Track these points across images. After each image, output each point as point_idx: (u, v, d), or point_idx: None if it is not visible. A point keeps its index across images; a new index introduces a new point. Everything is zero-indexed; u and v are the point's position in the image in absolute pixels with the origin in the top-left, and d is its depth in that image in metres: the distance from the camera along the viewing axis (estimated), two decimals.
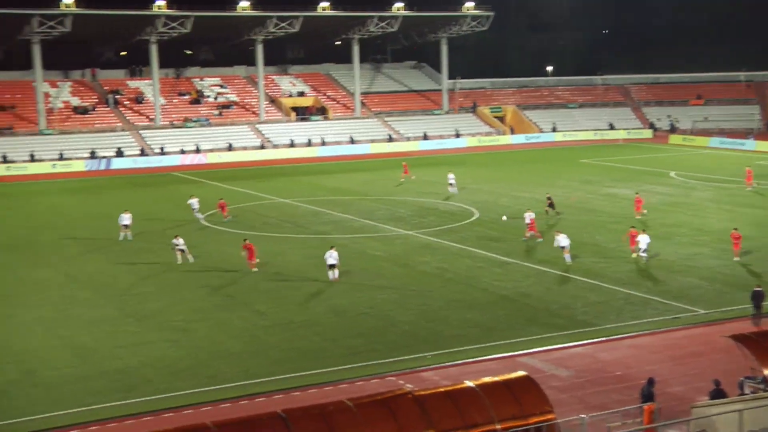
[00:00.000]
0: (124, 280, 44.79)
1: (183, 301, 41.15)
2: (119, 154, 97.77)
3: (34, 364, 32.73)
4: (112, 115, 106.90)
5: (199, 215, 61.25)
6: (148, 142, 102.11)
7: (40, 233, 57.86)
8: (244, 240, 47.28)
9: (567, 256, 46.14)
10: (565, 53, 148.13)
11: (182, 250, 47.77)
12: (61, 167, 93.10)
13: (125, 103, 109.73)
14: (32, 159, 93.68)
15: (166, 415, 27.95)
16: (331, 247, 44.90)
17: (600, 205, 65.60)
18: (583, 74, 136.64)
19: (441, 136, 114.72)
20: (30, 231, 58.73)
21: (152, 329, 36.89)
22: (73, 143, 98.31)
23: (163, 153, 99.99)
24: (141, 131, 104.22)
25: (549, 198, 60.90)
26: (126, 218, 55.12)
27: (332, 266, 43.87)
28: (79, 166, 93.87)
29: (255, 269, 45.74)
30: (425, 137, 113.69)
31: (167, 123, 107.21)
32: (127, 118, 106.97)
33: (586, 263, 46.47)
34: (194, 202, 62.13)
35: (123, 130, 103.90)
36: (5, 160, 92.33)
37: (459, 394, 22.18)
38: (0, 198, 74.71)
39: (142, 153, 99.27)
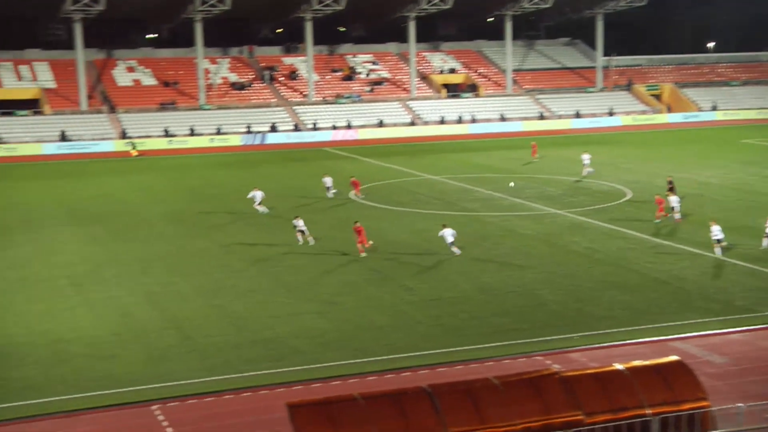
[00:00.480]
0: (276, 252, 45.99)
1: (333, 274, 41.92)
2: (273, 129, 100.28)
3: (191, 330, 34.13)
4: (268, 91, 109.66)
5: (331, 193, 61.70)
6: (302, 118, 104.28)
7: (199, 205, 60.11)
8: (355, 222, 46.34)
9: (718, 250, 43.53)
10: (728, 28, 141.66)
11: (302, 231, 47.06)
12: (218, 141, 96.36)
13: (280, 79, 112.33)
14: (192, 133, 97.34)
15: (314, 385, 28.60)
16: (444, 225, 45.04)
17: (763, 187, 62.63)
18: (747, 50, 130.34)
19: (594, 115, 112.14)
20: (189, 203, 61.09)
21: (303, 301, 37.77)
22: (230, 118, 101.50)
23: (315, 128, 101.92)
24: (295, 107, 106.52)
25: (670, 182, 57.32)
26: (258, 196, 56.49)
27: (452, 243, 44.34)
28: (235, 140, 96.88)
29: (364, 254, 44.66)
30: (578, 115, 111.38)
31: (320, 99, 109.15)
32: (282, 94, 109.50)
33: (745, 247, 44.49)
34: (328, 180, 62.39)
35: (277, 105, 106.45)
36: (167, 134, 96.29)
37: (607, 377, 21.71)
38: (161, 171, 78.03)
39: (296, 128, 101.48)
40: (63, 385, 28.77)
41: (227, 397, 27.95)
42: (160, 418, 26.38)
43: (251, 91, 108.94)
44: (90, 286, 40.26)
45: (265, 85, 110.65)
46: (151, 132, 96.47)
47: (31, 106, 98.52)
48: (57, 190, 66.79)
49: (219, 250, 47.32)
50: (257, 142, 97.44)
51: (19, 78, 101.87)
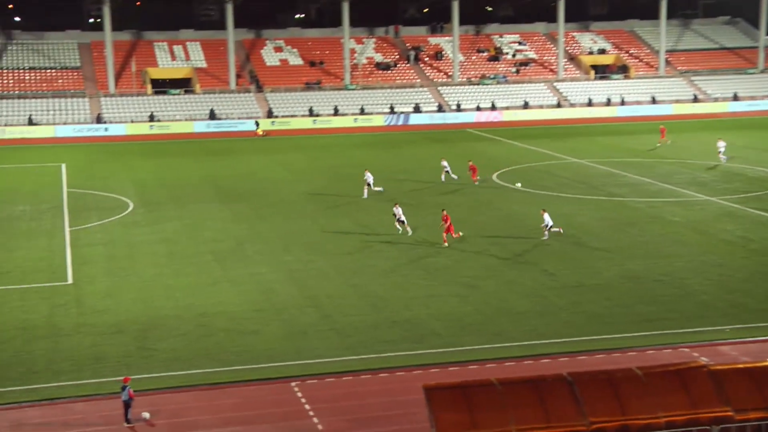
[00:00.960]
0: (417, 233, 46.09)
1: (473, 257, 41.70)
2: (417, 109, 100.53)
3: (330, 309, 34.66)
4: (412, 71, 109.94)
5: (445, 176, 61.01)
6: (446, 99, 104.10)
7: (341, 185, 60.92)
8: (442, 210, 45.22)
9: None
10: None
11: (402, 221, 45.93)
12: (361, 121, 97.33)
13: (425, 59, 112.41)
14: (336, 113, 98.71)
15: (452, 368, 28.55)
16: (543, 211, 44.74)
17: None
18: None
19: (753, 98, 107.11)
20: (331, 182, 61.97)
21: (442, 283, 37.74)
22: (374, 98, 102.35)
23: (459, 109, 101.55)
24: (439, 87, 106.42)
25: None
26: (368, 176, 56.70)
27: (550, 227, 44.04)
28: (378, 120, 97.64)
29: (446, 244, 43.55)
30: (735, 98, 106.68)
31: (465, 80, 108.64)
32: (426, 74, 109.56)
33: None
34: (445, 163, 61.66)
35: (422, 86, 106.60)
36: (311, 114, 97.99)
37: (761, 373, 20.73)
38: (305, 150, 79.48)
39: (439, 109, 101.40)
40: (206, 358, 29.76)
41: (364, 376, 28.24)
42: (299, 394, 26.93)
43: (396, 71, 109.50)
44: (233, 263, 41.45)
45: (409, 65, 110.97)
46: (296, 111, 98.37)
47: (184, 85, 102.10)
48: (205, 168, 69.06)
49: (359, 229, 47.80)
50: (400, 122, 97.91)
51: (173, 58, 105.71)
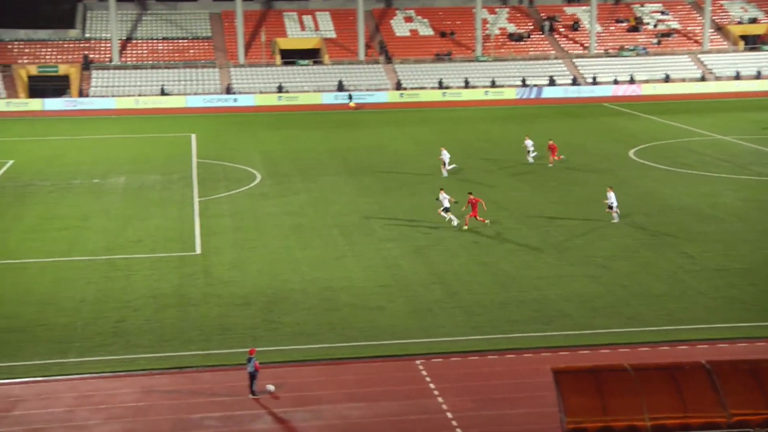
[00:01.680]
0: (546, 211, 45.52)
1: (606, 237, 40.93)
2: (551, 82, 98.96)
3: (457, 286, 34.67)
4: (546, 42, 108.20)
5: (531, 157, 59.51)
6: (581, 71, 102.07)
7: (469, 159, 60.63)
8: (469, 194, 43.84)
9: None
10: None
11: (447, 209, 43.27)
12: (492, 94, 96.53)
13: (560, 30, 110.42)
14: (466, 85, 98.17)
15: (582, 351, 28.18)
16: (610, 188, 43.46)
17: None
18: None
19: None
20: (459, 157, 61.71)
21: (573, 263, 37.21)
22: (505, 70, 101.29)
23: (595, 83, 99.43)
24: (574, 59, 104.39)
25: None
26: (445, 155, 55.84)
27: (611, 207, 42.95)
28: (510, 93, 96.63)
29: (466, 227, 42.48)
30: None
31: (602, 51, 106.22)
32: (561, 45, 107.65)
33: None
34: (529, 143, 60.11)
35: (556, 58, 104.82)
36: (441, 86, 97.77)
37: None
38: (434, 123, 79.40)
39: (574, 82, 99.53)
40: (331, 332, 30.27)
41: (491, 357, 28.18)
42: (423, 372, 27.09)
43: (529, 42, 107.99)
44: (359, 237, 41.91)
45: (544, 36, 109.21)
46: (425, 83, 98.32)
47: (312, 56, 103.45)
48: (332, 140, 69.92)
49: (489, 205, 47.56)
50: (533, 95, 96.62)
51: (303, 28, 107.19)
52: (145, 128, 78.02)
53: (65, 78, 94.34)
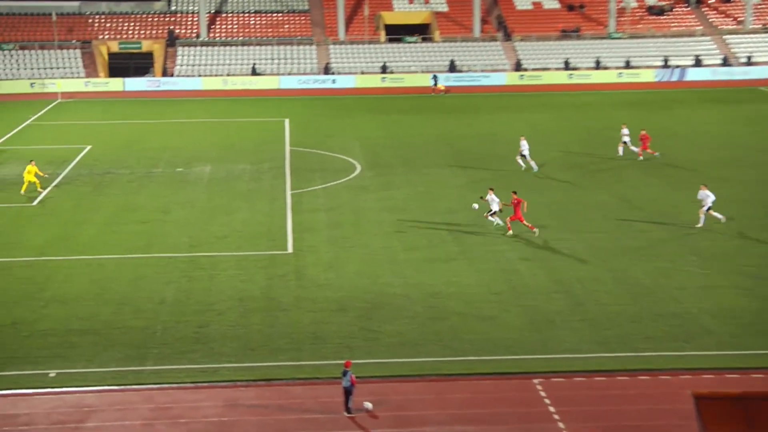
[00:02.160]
0: (686, 211, 44.51)
1: (757, 242, 39.84)
2: (697, 63, 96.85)
3: (582, 296, 34.23)
4: (692, 16, 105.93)
5: (622, 149, 57.77)
6: (733, 50, 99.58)
7: (599, 150, 59.78)
8: (513, 193, 42.56)
9: None
10: None
11: (493, 212, 42.76)
12: (627, 76, 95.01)
13: (710, 2, 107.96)
14: (597, 66, 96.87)
15: (729, 375, 27.54)
16: (703, 186, 42.41)
17: None
18: None
19: None
20: (587, 147, 60.93)
21: (718, 272, 36.36)
22: (643, 49, 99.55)
23: (749, 63, 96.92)
24: (725, 36, 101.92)
25: None
26: (524, 145, 54.66)
27: (708, 208, 42.00)
28: (647, 75, 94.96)
29: (510, 232, 41.65)
30: None
31: (759, 26, 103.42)
32: (710, 20, 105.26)
33: None
34: (625, 131, 58.08)
35: (703, 34, 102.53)
36: (567, 67, 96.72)
37: None
38: (558, 109, 78.60)
39: (724, 62, 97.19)
40: (437, 345, 30.22)
41: (621, 378, 27.75)
42: (542, 393, 26.82)
43: (672, 16, 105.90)
44: (471, 237, 41.76)
45: (689, 9, 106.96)
46: (549, 64, 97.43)
47: (421, 31, 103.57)
48: (441, 127, 69.85)
49: (618, 204, 46.84)
50: (674, 78, 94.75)
51: (411, 1, 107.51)
52: (233, 112, 79.44)
53: (148, 55, 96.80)
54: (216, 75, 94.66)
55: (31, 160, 51.73)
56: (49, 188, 51.57)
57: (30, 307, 33.90)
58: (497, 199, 42.56)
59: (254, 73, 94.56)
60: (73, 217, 46.16)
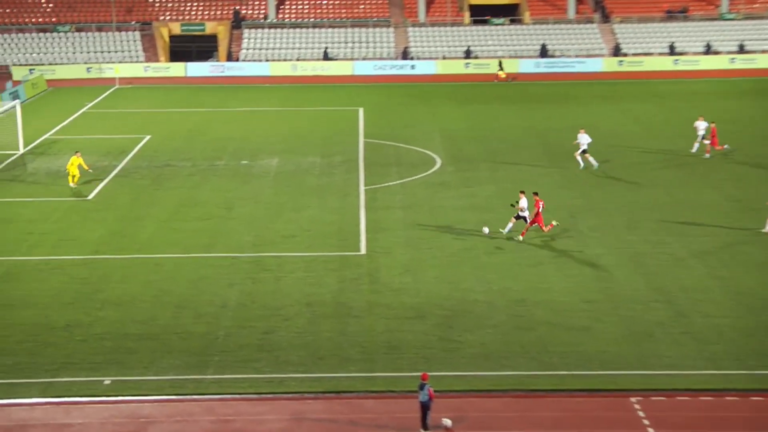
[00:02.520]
0: None
1: None
2: None
3: (686, 306, 33.84)
4: None
5: (705, 142, 56.21)
6: None
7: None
8: (534, 194, 41.75)
9: None
10: None
11: (522, 218, 41.57)
12: (741, 62, 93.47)
13: None
14: (707, 51, 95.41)
15: None
16: None
17: None
18: None
19: None
20: (692, 142, 60.13)
21: None
22: (759, 31, 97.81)
23: None
24: None
25: None
26: (583, 138, 53.82)
27: None
28: (764, 61, 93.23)
29: (520, 238, 41.06)
30: None
31: None
32: None
33: None
34: (700, 124, 56.60)
35: None
36: (672, 52, 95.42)
37: None
38: (661, 98, 77.66)
39: None
40: (523, 357, 30.09)
41: (729, 398, 27.41)
42: (640, 413, 26.57)
43: None
44: (561, 240, 41.54)
45: None
46: (652, 48, 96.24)
47: (509, 12, 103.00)
48: (530, 118, 69.48)
49: (729, 205, 46.16)
50: None
51: None
52: (303, 100, 79.97)
53: (212, 38, 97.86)
54: (285, 60, 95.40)
55: (76, 151, 52.60)
56: (105, 181, 52.45)
57: (84, 309, 34.53)
58: (526, 204, 41.65)
59: (326, 57, 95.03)
60: (131, 213, 46.89)
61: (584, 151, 53.99)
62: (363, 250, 40.69)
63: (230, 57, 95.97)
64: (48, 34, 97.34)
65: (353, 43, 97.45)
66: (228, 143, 62.42)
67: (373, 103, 76.87)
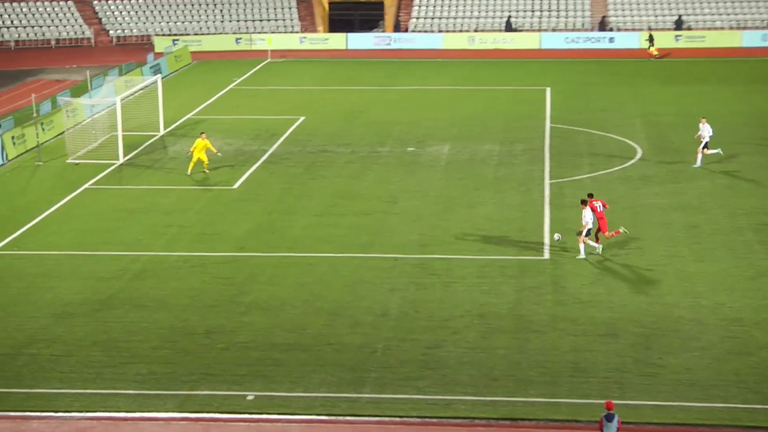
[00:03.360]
0: None
1: None
2: None
3: None
4: None
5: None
6: None
7: None
8: (589, 196, 40.29)
9: None
10: None
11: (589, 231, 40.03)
12: None
13: None
14: None
15: None
16: None
17: None
18: None
19: None
20: None
21: None
22: None
23: None
24: None
25: None
26: (705, 130, 51.97)
27: None
28: None
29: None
30: None
31: None
32: None
33: None
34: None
35: None
36: None
37: None
38: None
39: None
40: (737, 386, 29.49)
41: None
42: None
43: None
44: None
45: None
46: None
47: None
48: (755, 102, 67.87)
49: None
50: None
51: None
52: (481, 77, 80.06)
53: (378, 5, 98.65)
54: (460, 30, 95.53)
55: (201, 133, 53.72)
56: (252, 168, 53.48)
57: (228, 313, 35.30)
58: (591, 213, 40.24)
59: (509, 28, 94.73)
60: (280, 205, 47.70)
61: (704, 145, 52.45)
62: (546, 254, 40.52)
63: (398, 27, 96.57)
64: (194, 1, 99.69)
65: (540, 11, 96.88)
66: (392, 127, 62.86)
67: (563, 82, 76.30)
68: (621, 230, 41.08)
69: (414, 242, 42.31)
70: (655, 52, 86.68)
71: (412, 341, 32.88)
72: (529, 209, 46.32)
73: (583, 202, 40.26)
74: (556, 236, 41.17)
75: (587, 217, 39.64)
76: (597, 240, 40.51)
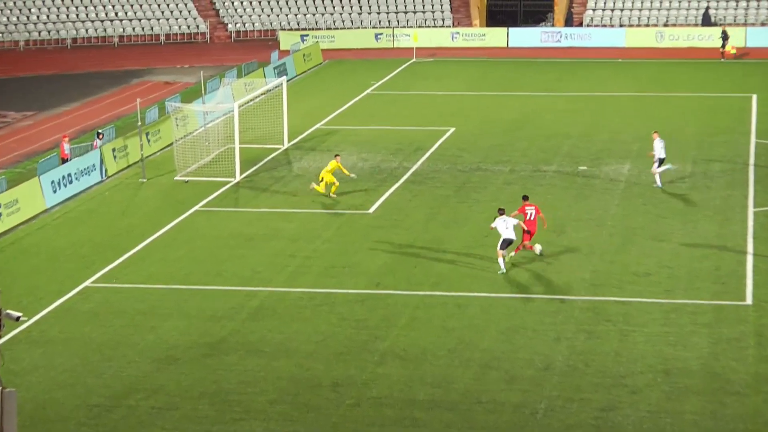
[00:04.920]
0: None
1: None
2: None
3: None
4: None
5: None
6: None
7: None
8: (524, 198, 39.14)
9: None
10: None
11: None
12: None
13: None
14: None
15: None
16: None
17: None
18: None
19: None
20: None
21: None
22: None
23: None
24: None
25: None
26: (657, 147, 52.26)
27: None
28: None
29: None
30: None
31: None
32: None
33: None
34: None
35: None
36: None
37: None
38: None
39: None
40: None
41: None
42: None
43: None
44: None
45: None
46: None
47: None
48: None
49: None
50: None
51: None
52: (670, 81, 79.79)
53: None
54: (647, 25, 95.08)
55: (336, 155, 53.96)
56: (392, 188, 53.60)
57: (359, 362, 35.39)
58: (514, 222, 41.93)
59: (706, 22, 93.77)
60: (424, 234, 47.77)
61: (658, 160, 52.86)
62: (749, 299, 39.89)
63: (570, 21, 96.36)
64: None
65: (747, 1, 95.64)
66: (561, 141, 62.74)
67: None
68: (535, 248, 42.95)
69: (585, 281, 42.09)
70: (733, 51, 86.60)
71: (581, 401, 32.59)
72: (728, 243, 45.72)
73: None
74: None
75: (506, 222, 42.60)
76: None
